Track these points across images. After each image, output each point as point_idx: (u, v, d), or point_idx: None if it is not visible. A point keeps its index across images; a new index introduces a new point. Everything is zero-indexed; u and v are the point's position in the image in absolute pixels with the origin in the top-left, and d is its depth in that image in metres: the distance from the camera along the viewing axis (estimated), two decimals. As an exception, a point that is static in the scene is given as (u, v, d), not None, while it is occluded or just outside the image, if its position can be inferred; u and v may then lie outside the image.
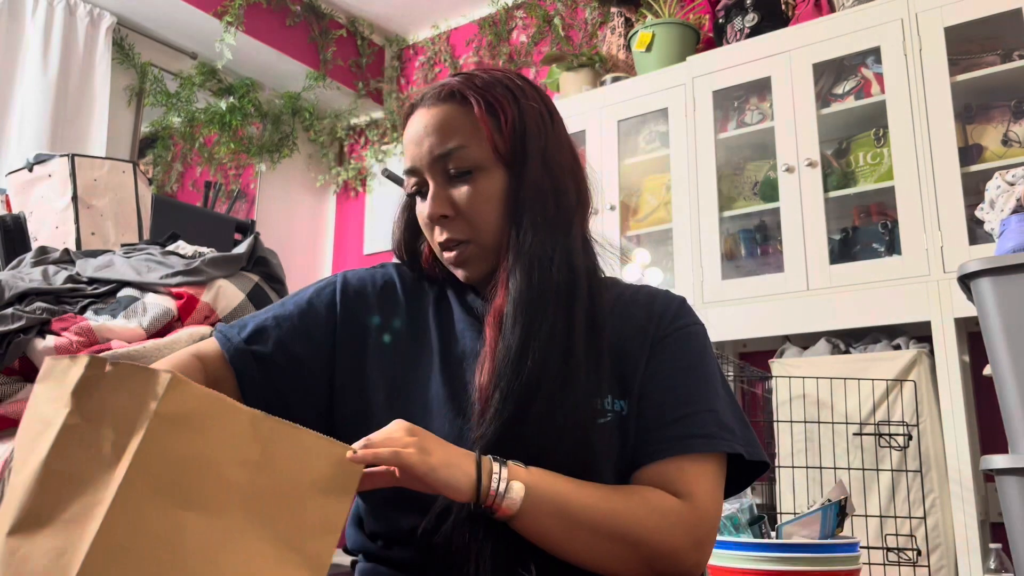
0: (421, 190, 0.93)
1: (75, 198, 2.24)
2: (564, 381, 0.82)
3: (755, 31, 2.93)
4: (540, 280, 0.86)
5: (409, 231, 1.01)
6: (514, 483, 0.75)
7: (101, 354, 1.63)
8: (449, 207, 0.90)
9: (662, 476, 0.84)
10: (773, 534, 1.61)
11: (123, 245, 2.10)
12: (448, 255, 0.92)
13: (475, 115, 0.90)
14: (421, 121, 0.92)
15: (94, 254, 1.99)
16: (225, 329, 0.94)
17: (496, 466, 0.76)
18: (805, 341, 2.65)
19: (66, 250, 2.02)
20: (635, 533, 0.78)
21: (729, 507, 1.62)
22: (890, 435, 2.22)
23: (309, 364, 0.92)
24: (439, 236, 0.92)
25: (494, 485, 0.74)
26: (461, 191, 0.90)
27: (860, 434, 2.26)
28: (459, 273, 0.93)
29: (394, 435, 0.73)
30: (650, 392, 0.89)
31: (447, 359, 0.92)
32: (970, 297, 1.59)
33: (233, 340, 0.92)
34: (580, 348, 0.84)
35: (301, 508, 0.66)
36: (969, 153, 2.47)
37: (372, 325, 0.95)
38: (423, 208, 0.92)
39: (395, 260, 1.06)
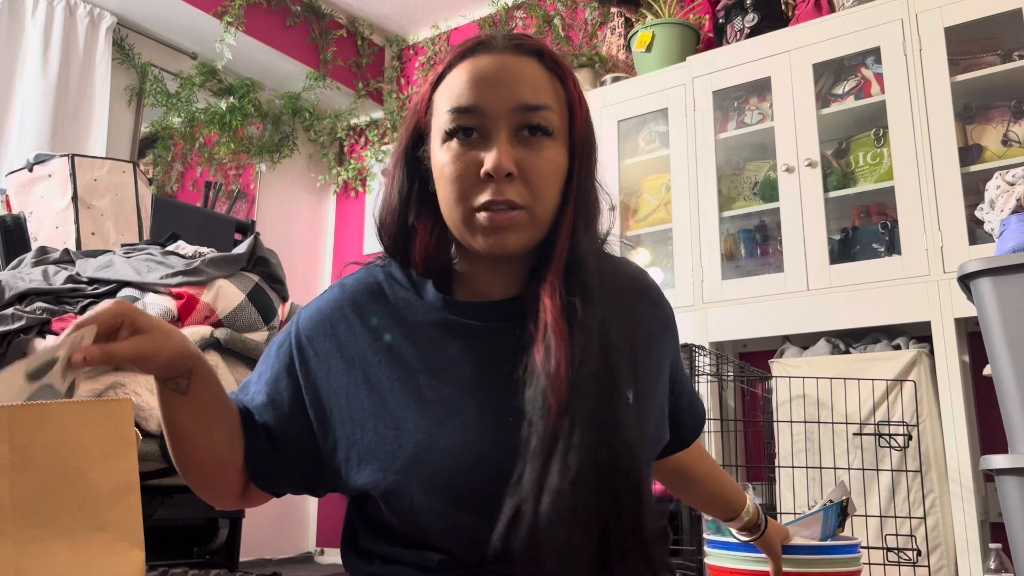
0: (467, 136, 0.82)
1: (75, 198, 2.24)
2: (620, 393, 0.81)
3: (755, 31, 2.93)
4: (602, 283, 0.83)
5: (421, 211, 0.88)
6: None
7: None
8: (514, 166, 0.80)
9: (698, 446, 1.15)
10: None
11: (123, 245, 2.10)
12: (497, 217, 0.80)
13: (561, 85, 0.85)
14: (498, 64, 0.83)
15: (94, 254, 1.99)
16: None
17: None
18: (805, 341, 2.65)
19: (66, 250, 2.02)
20: None
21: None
22: (890, 435, 2.22)
23: (288, 434, 0.87)
24: (490, 194, 0.80)
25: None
26: (531, 153, 0.81)
27: (860, 434, 2.26)
28: (498, 241, 0.81)
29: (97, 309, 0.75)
30: (679, 379, 1.03)
31: (426, 370, 0.86)
32: (970, 297, 1.59)
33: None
34: (624, 357, 0.82)
35: (85, 484, 0.61)
36: (969, 153, 2.47)
37: (336, 358, 0.87)
38: (477, 158, 0.81)
39: (360, 272, 0.94)
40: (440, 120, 0.84)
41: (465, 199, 0.81)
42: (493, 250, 0.82)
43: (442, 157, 0.83)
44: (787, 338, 2.71)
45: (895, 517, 2.19)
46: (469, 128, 0.82)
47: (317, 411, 0.86)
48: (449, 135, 0.82)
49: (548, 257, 0.84)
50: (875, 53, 2.63)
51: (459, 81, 0.83)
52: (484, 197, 0.80)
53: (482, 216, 0.81)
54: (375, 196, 0.98)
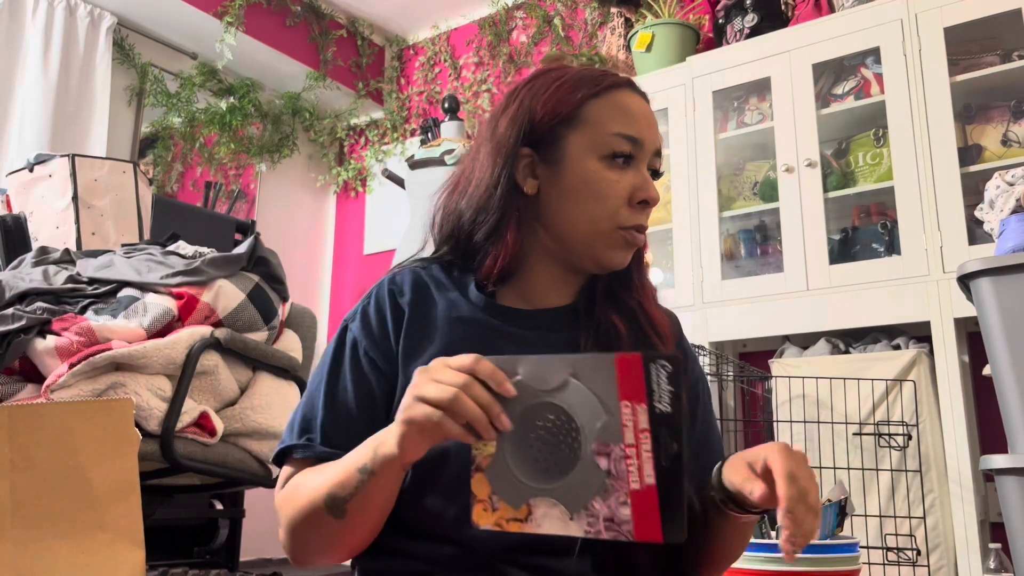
0: (627, 161, 0.91)
1: (75, 198, 2.24)
2: None
3: (755, 31, 2.93)
4: None
5: (518, 213, 0.92)
6: None
7: (100, 355, 1.63)
8: None
9: None
10: (773, 534, 1.61)
11: (123, 245, 2.10)
12: (637, 238, 0.92)
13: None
14: (645, 106, 0.95)
15: (94, 254, 1.99)
16: (293, 441, 0.88)
17: None
18: (805, 341, 2.65)
19: (66, 250, 2.02)
20: None
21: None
22: (890, 435, 2.22)
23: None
24: (638, 218, 0.91)
25: None
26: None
27: (860, 434, 2.26)
28: (625, 259, 0.93)
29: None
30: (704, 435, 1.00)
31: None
32: (970, 297, 1.59)
33: (315, 448, 0.87)
34: None
35: (85, 484, 0.61)
36: (969, 153, 2.47)
37: (391, 354, 0.91)
38: (641, 185, 0.91)
39: (399, 269, 0.98)
40: (600, 136, 0.90)
41: (614, 217, 0.90)
42: (617, 266, 0.93)
43: (597, 172, 0.90)
44: (787, 338, 2.71)
45: (895, 517, 2.19)
46: (628, 155, 0.91)
47: (386, 409, 0.89)
48: (613, 155, 0.90)
49: (635, 275, 0.96)
50: (875, 53, 2.63)
51: (627, 109, 0.92)
52: (637, 220, 0.91)
53: (625, 235, 0.91)
54: (440, 189, 0.99)
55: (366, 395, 0.89)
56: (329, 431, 0.88)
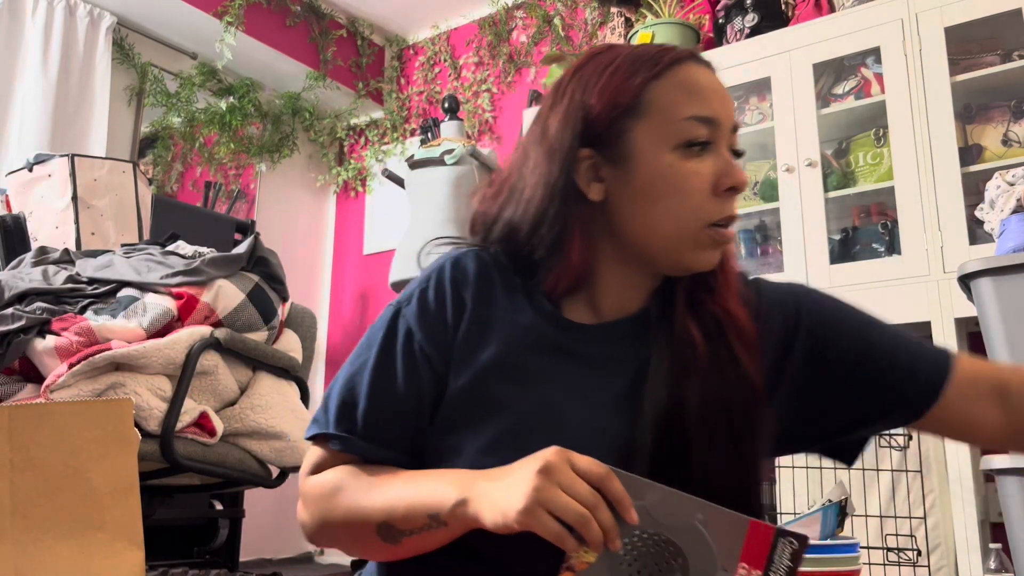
0: (704, 147, 0.80)
1: (75, 198, 2.24)
2: None
3: (755, 31, 2.93)
4: None
5: (582, 221, 0.81)
6: None
7: (100, 354, 1.63)
8: None
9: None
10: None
11: (123, 245, 2.10)
12: (728, 232, 0.82)
13: None
14: (715, 79, 0.83)
15: (94, 254, 1.99)
16: (329, 429, 0.80)
17: None
18: (805, 341, 2.65)
19: (66, 250, 2.02)
20: None
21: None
22: (890, 435, 2.22)
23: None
24: (727, 208, 0.80)
25: None
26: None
27: (860, 434, 2.26)
28: (712, 257, 0.82)
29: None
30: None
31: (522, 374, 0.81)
32: (970, 297, 1.59)
33: (354, 444, 0.80)
34: None
35: (85, 484, 0.61)
36: (969, 153, 2.47)
37: (446, 344, 0.83)
38: (725, 170, 0.80)
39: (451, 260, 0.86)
40: (671, 123, 0.79)
41: (700, 213, 0.79)
42: (706, 268, 0.82)
43: (673, 165, 0.79)
44: (787, 338, 2.71)
45: (895, 517, 2.19)
46: (705, 140, 0.80)
47: (431, 409, 0.82)
48: (689, 143, 0.79)
49: (719, 274, 0.84)
50: (875, 53, 2.63)
51: (696, 86, 0.81)
52: (726, 211, 0.80)
53: (713, 234, 0.80)
54: (474, 191, 0.90)
55: (416, 393, 0.80)
56: (369, 424, 0.80)
